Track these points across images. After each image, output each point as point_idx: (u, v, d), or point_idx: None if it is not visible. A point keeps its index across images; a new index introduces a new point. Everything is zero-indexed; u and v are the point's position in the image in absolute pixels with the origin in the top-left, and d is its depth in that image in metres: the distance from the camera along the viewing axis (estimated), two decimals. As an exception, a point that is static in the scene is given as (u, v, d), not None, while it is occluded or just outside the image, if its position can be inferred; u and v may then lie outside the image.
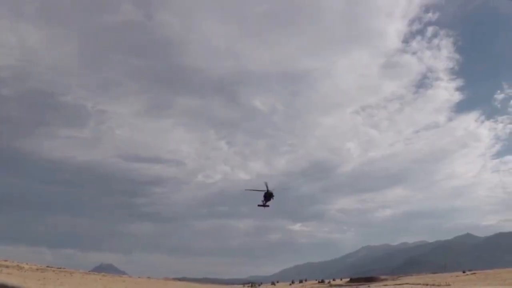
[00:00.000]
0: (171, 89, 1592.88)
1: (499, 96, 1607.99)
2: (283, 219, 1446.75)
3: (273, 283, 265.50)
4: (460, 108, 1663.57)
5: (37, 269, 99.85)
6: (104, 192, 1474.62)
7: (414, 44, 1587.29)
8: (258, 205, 53.77)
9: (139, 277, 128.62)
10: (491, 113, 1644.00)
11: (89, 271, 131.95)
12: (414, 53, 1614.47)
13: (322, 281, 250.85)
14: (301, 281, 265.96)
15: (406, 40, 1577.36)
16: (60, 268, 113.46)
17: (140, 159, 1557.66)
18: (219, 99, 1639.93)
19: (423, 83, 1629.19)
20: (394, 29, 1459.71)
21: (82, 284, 69.54)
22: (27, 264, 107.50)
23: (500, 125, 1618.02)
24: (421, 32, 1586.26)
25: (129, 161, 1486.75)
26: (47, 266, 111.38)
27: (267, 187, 52.07)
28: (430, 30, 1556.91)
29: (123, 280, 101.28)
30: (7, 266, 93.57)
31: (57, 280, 77.76)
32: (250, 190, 53.06)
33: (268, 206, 53.68)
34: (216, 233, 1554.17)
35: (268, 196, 52.06)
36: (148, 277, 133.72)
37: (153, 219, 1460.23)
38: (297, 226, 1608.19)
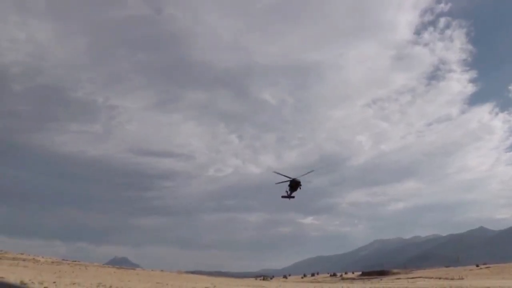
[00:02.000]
0: (180, 83, 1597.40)
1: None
2: (293, 213, 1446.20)
3: (285, 277, 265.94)
4: (474, 100, 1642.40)
5: (53, 262, 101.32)
6: (115, 186, 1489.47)
7: (426, 36, 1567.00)
8: (282, 197, 47.45)
9: (152, 270, 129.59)
10: (505, 105, 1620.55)
11: (104, 265, 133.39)
12: (426, 44, 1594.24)
13: (334, 275, 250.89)
14: (313, 275, 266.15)
15: (417, 32, 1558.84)
16: (75, 261, 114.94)
17: (150, 153, 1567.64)
18: (228, 92, 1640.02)
19: (435, 75, 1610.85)
20: (405, 20, 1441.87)
21: (97, 277, 70.15)
22: (42, 257, 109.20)
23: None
24: (433, 23, 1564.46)
25: (139, 155, 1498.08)
26: (62, 260, 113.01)
27: (287, 176, 45.93)
28: (442, 21, 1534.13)
29: (136, 273, 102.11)
30: (23, 260, 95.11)
31: (72, 273, 78.63)
32: (279, 174, 46.45)
33: (293, 197, 47.37)
34: (227, 226, 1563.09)
35: (294, 185, 45.67)
36: (162, 270, 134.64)
37: (164, 213, 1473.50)
38: (308, 220, 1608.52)
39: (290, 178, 45.29)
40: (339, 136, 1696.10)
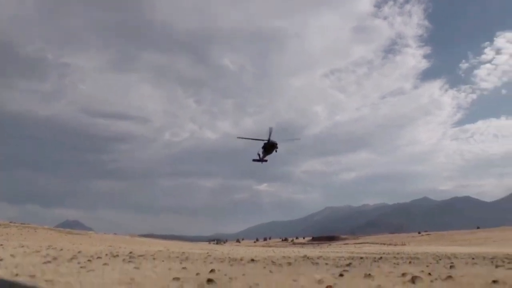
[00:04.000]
0: (137, 43, 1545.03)
1: (464, 65, 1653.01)
2: (249, 179, 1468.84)
3: (238, 241, 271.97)
4: (426, 75, 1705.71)
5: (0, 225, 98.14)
6: (68, 148, 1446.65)
7: (386, 9, 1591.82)
8: (253, 160, 43.34)
9: (104, 234, 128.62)
10: (455, 82, 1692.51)
11: (54, 227, 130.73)
12: (385, 18, 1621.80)
13: (286, 239, 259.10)
14: (265, 239, 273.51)
15: (378, 5, 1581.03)
16: (24, 224, 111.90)
17: (105, 115, 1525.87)
18: (187, 56, 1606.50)
19: (392, 48, 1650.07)
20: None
21: (46, 239, 68.94)
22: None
23: (463, 94, 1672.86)
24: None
25: (93, 117, 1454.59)
26: (10, 222, 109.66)
27: (269, 135, 40.54)
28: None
29: (89, 237, 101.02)
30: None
31: (20, 235, 76.77)
32: (244, 138, 41.75)
33: (266, 161, 43.09)
34: (182, 191, 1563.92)
35: (269, 147, 41.02)
36: (114, 234, 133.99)
37: (119, 176, 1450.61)
38: (262, 186, 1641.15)
39: (263, 140, 40.76)
40: (297, 104, 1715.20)
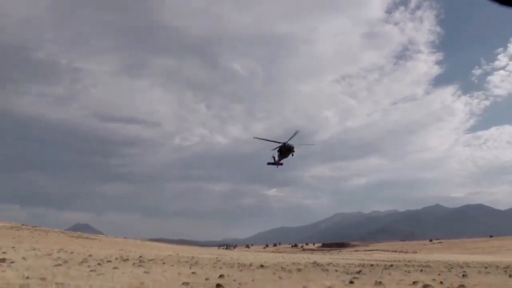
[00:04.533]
0: (148, 48, 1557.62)
1: (477, 71, 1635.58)
2: (258, 184, 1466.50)
3: (247, 246, 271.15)
4: (438, 81, 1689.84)
5: (12, 227, 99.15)
6: (79, 151, 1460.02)
7: (397, 15, 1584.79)
8: (268, 163, 42.51)
9: (115, 237, 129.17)
10: (467, 88, 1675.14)
11: (65, 230, 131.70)
12: (396, 23, 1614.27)
13: (295, 245, 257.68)
14: (275, 245, 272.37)
15: (389, 10, 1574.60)
16: (35, 226, 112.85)
17: (116, 119, 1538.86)
18: (197, 60, 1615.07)
19: (403, 54, 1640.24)
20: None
21: (58, 242, 69.44)
22: (0, 222, 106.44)
23: (476, 101, 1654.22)
24: (404, 2, 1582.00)
25: (104, 121, 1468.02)
26: (22, 225, 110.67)
27: (290, 138, 39.67)
28: (413, 1, 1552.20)
29: (99, 240, 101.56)
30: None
31: (32, 238, 77.44)
32: (261, 139, 40.56)
33: (281, 164, 42.23)
34: (192, 195, 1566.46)
35: (285, 151, 40.13)
36: (124, 238, 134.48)
37: (128, 180, 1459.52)
38: (272, 191, 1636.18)
39: (279, 142, 40.03)
40: (306, 110, 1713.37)
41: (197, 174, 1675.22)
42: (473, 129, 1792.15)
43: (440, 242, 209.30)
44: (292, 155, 40.60)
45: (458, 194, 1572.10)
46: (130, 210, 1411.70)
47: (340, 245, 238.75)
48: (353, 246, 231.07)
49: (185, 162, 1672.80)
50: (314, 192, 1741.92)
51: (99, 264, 31.28)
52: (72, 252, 45.08)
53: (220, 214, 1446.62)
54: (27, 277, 19.52)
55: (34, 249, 44.96)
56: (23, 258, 31.91)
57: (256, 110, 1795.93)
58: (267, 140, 40.58)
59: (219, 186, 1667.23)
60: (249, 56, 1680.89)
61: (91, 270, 25.20)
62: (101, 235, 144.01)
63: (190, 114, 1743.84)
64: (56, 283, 17.97)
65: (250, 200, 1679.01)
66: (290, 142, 39.79)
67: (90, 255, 41.80)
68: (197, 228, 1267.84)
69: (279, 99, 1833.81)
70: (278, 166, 42.53)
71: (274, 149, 40.91)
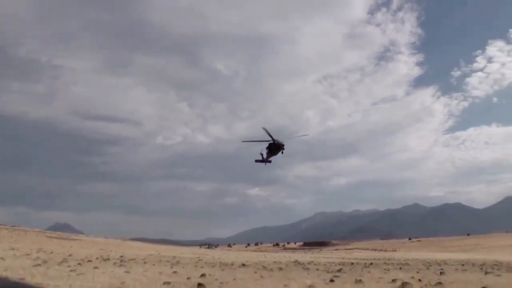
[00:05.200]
0: (131, 46, 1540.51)
1: (456, 73, 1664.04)
2: (241, 183, 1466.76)
3: (229, 245, 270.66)
4: (418, 83, 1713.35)
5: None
6: (59, 150, 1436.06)
7: (379, 16, 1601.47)
8: (256, 161, 41.61)
9: (95, 237, 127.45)
10: (447, 89, 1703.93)
11: (44, 230, 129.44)
12: (378, 24, 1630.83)
13: (277, 244, 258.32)
14: (256, 244, 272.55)
15: (371, 11, 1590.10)
16: (14, 226, 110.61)
17: (97, 118, 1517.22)
18: (181, 59, 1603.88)
19: (384, 55, 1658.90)
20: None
21: (37, 242, 68.19)
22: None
23: (454, 102, 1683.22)
24: (386, 4, 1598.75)
25: (85, 119, 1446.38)
26: (0, 225, 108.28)
27: (270, 135, 38.78)
28: (395, 2, 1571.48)
29: (80, 240, 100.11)
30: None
31: (10, 238, 75.87)
32: (249, 141, 40.42)
33: (270, 161, 41.48)
34: (174, 195, 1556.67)
35: (274, 148, 39.45)
36: (105, 237, 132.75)
37: (110, 179, 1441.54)
38: (254, 191, 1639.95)
39: (268, 140, 39.17)
40: (288, 110, 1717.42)
41: (180, 173, 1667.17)
42: (451, 129, 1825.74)
43: (418, 241, 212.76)
44: (282, 152, 40.15)
45: (436, 193, 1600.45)
46: (112, 209, 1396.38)
47: (321, 244, 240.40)
48: (334, 245, 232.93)
49: (167, 161, 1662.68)
50: (296, 191, 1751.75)
51: (79, 264, 30.90)
52: (51, 252, 44.38)
53: (203, 213, 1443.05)
54: (6, 278, 19.13)
55: (12, 249, 44.10)
56: (1, 258, 31.30)
57: (239, 109, 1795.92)
58: (256, 141, 40.09)
59: (201, 185, 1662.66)
60: (232, 56, 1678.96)
61: (71, 270, 24.87)
62: (81, 235, 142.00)
63: (173, 113, 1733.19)
64: (35, 283, 17.67)
65: (233, 199, 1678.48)
66: (281, 140, 39.31)
67: (70, 255, 41.23)
68: (179, 227, 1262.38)
69: (262, 99, 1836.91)
70: (266, 164, 41.87)
71: (266, 141, 39.79)
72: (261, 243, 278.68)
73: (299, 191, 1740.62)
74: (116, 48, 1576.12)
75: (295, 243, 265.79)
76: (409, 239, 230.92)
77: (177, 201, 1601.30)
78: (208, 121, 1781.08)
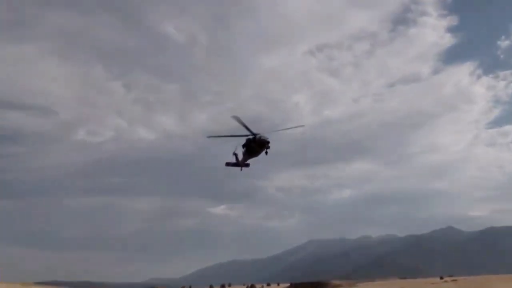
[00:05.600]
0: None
1: (504, 43, 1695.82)
2: (200, 198, 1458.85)
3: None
4: (451, 56, 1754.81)
5: None
6: None
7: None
8: (227, 164, 42.05)
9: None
10: (491, 65, 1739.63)
11: None
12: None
13: (253, 286, 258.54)
14: (223, 286, 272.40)
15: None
16: None
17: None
18: (113, 18, 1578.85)
19: (404, 18, 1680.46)
20: None
21: None
22: None
23: (502, 83, 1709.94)
24: None
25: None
26: None
27: (248, 129, 38.05)
28: None
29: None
30: None
31: None
32: (217, 136, 39.51)
33: (247, 165, 42.11)
34: (101, 216, 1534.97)
35: (255, 147, 38.65)
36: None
37: (5, 193, 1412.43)
38: (220, 209, 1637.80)
39: (246, 135, 39.11)
40: (269, 93, 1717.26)
41: (110, 185, 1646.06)
42: (498, 122, 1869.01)
43: (454, 280, 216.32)
44: (266, 153, 40.10)
45: (479, 213, 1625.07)
46: (7, 239, 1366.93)
47: (316, 285, 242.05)
48: (335, 286, 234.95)
49: (92, 167, 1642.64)
50: (280, 209, 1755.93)
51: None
52: None
53: (144, 242, 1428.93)
54: None
55: None
56: None
57: (199, 92, 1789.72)
58: (227, 136, 39.54)
59: (142, 202, 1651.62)
60: (187, 14, 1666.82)
61: None
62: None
63: (101, 97, 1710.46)
64: None
65: (189, 222, 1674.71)
66: (264, 134, 39.30)
67: None
68: (111, 264, 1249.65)
69: (231, 77, 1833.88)
70: (242, 169, 42.00)
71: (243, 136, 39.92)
72: (229, 285, 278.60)
73: (284, 209, 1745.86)
74: (15, 1, 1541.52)
75: (278, 285, 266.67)
76: (441, 278, 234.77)
77: (107, 226, 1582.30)
78: (153, 109, 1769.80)
